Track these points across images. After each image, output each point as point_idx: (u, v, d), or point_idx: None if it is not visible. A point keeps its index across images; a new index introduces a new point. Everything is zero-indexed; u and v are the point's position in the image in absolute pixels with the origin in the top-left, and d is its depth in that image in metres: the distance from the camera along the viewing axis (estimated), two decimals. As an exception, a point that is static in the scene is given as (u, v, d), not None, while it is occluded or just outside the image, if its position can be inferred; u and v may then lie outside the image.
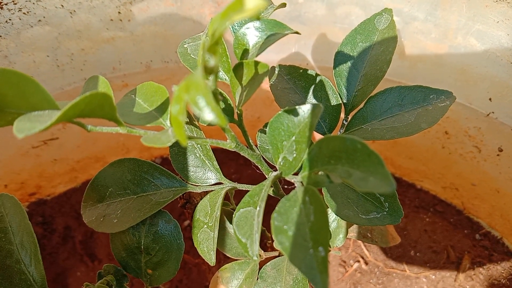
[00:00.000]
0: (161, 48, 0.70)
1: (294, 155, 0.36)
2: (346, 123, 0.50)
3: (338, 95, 0.50)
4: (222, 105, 0.42)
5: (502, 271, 0.75)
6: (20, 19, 0.58)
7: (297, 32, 0.38)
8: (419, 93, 0.47)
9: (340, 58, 0.50)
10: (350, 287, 0.76)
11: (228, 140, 0.38)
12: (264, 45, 0.38)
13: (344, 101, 0.49)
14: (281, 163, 0.37)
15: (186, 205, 0.55)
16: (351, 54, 0.50)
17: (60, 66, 0.65)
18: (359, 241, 0.79)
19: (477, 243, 0.79)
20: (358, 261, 0.78)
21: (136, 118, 0.40)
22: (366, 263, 0.78)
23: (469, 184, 0.77)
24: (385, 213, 0.44)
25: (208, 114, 0.22)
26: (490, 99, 0.64)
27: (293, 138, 0.36)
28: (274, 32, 0.38)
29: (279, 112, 0.37)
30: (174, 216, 0.82)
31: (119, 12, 0.63)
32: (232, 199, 0.57)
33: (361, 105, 0.49)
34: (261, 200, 0.35)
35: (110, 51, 0.67)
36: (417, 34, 0.64)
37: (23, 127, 0.25)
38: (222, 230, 0.53)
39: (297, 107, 0.36)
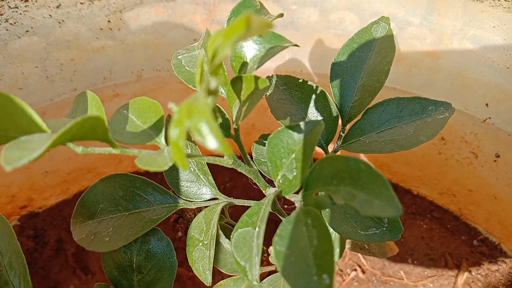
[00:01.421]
0: (153, 56, 0.68)
1: (294, 173, 0.35)
2: (343, 134, 0.48)
3: (335, 106, 0.49)
4: (219, 119, 0.41)
5: (501, 278, 0.74)
6: (7, 30, 0.56)
7: (296, 45, 0.37)
8: (418, 105, 0.46)
9: (336, 68, 0.49)
10: (348, 296, 0.75)
11: (225, 157, 0.37)
12: (263, 59, 0.36)
13: (342, 112, 0.48)
14: (281, 181, 0.36)
15: (179, 220, 0.54)
16: (348, 64, 0.49)
17: (50, 77, 0.64)
18: (356, 250, 0.78)
19: (475, 249, 0.78)
20: (355, 270, 0.77)
21: (129, 137, 0.38)
22: (363, 272, 0.77)
23: (466, 190, 0.76)
24: (384, 228, 0.43)
25: (212, 142, 0.21)
26: (486, 104, 0.63)
27: (293, 155, 0.35)
28: (273, 45, 0.37)
29: (279, 128, 0.35)
30: (168, 227, 0.81)
31: (108, 21, 0.61)
32: (227, 212, 0.56)
33: (359, 117, 0.48)
34: (260, 221, 0.34)
35: (100, 61, 0.66)
36: (412, 39, 0.63)
37: (11, 157, 0.24)
38: (216, 245, 0.52)
39: (297, 123, 0.34)
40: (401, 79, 0.68)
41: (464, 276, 0.75)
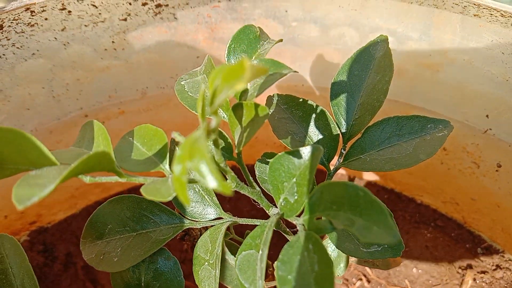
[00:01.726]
0: (157, 74, 0.70)
1: (296, 197, 0.36)
2: (344, 152, 0.49)
3: (335, 124, 0.50)
4: (222, 143, 0.42)
5: (506, 285, 0.75)
6: (14, 53, 0.57)
7: (295, 71, 0.38)
8: (417, 123, 0.47)
9: (336, 87, 0.50)
10: (353, 306, 0.75)
11: (228, 180, 0.38)
12: (263, 86, 0.37)
13: (342, 130, 0.49)
14: (282, 204, 0.37)
15: (185, 237, 0.55)
16: (348, 83, 0.50)
17: (56, 97, 0.65)
18: (361, 259, 0.79)
19: (479, 257, 0.78)
20: (361, 279, 0.78)
21: (135, 164, 0.40)
22: (369, 281, 0.78)
23: (469, 199, 0.77)
24: (386, 246, 0.44)
25: (211, 181, 0.22)
26: (487, 116, 0.64)
27: (294, 180, 0.36)
28: (273, 72, 0.38)
29: (279, 154, 0.36)
30: (175, 240, 0.82)
31: (113, 42, 0.63)
32: (232, 229, 0.56)
33: (359, 135, 0.49)
34: (264, 244, 0.35)
35: (106, 80, 0.67)
36: (411, 53, 0.64)
37: (22, 195, 0.25)
38: (222, 261, 0.53)
39: (297, 149, 0.35)
40: (402, 92, 0.69)
41: (468, 284, 0.75)
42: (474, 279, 0.76)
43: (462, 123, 0.67)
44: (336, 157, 0.50)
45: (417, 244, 0.81)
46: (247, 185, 0.41)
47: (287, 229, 0.46)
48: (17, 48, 0.57)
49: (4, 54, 0.57)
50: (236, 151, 0.40)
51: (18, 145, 0.30)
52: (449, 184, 0.78)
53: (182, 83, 0.46)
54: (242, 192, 0.40)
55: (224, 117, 0.42)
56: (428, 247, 0.81)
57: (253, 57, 0.42)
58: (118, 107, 0.71)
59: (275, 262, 0.32)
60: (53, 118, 0.67)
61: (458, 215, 0.82)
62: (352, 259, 0.58)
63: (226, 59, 0.43)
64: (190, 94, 0.44)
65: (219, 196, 0.49)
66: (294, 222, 0.37)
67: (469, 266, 0.78)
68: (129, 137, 0.43)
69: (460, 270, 0.77)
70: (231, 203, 0.89)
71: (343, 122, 0.49)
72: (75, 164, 0.26)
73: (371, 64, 0.49)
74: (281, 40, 0.43)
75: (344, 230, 0.45)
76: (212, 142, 0.33)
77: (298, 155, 0.35)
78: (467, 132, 0.68)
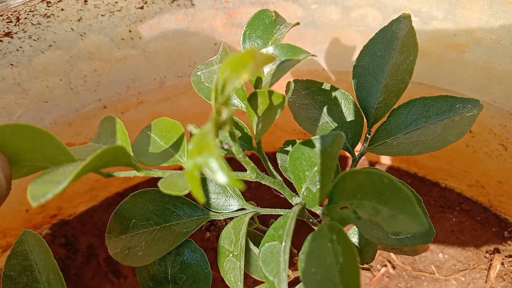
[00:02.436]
0: (174, 63, 0.69)
1: (318, 186, 0.34)
2: (369, 136, 0.48)
3: (359, 108, 0.48)
4: (239, 134, 0.41)
5: (535, 270, 0.73)
6: (30, 46, 0.57)
7: (313, 55, 0.37)
8: (445, 103, 0.45)
9: (358, 70, 0.48)
10: (379, 292, 0.74)
11: (248, 171, 0.37)
12: (278, 73, 0.36)
13: (366, 114, 0.48)
14: (305, 194, 0.36)
15: (210, 227, 0.54)
16: (370, 65, 0.48)
17: (74, 89, 0.65)
18: (386, 245, 0.78)
19: (507, 241, 0.77)
20: (386, 265, 0.77)
21: (153, 158, 0.39)
22: (394, 267, 0.77)
23: (496, 182, 0.75)
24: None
25: (221, 177, 0.21)
26: (515, 96, 0.62)
27: (316, 168, 0.35)
28: (289, 58, 0.37)
29: (299, 142, 0.35)
30: (197, 231, 0.82)
31: (130, 31, 0.62)
32: (256, 218, 0.56)
33: (384, 118, 0.48)
34: (286, 235, 0.34)
35: (123, 70, 0.66)
36: (436, 34, 0.62)
37: (37, 192, 0.24)
38: (247, 251, 0.52)
39: (317, 137, 0.34)
40: (427, 74, 0.67)
41: (496, 269, 0.74)
42: (502, 263, 0.74)
43: (489, 104, 0.65)
44: (360, 143, 0.49)
45: (442, 229, 0.79)
46: (268, 175, 0.40)
47: (312, 217, 0.45)
48: (34, 40, 0.57)
49: (21, 47, 0.56)
50: (255, 141, 0.39)
51: (35, 141, 0.29)
52: (474, 167, 0.76)
53: (198, 73, 0.44)
54: (263, 182, 0.39)
55: (241, 106, 0.41)
56: (454, 231, 0.79)
57: (270, 43, 0.41)
58: (136, 97, 0.71)
59: (299, 254, 0.31)
60: (72, 111, 0.67)
61: (483, 198, 0.80)
62: (379, 246, 0.57)
63: (241, 46, 0.42)
64: (207, 85, 0.43)
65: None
66: (317, 212, 0.36)
67: (497, 250, 0.76)
68: (147, 130, 0.43)
69: (487, 255, 0.76)
70: (251, 191, 0.88)
71: (367, 106, 0.47)
72: (89, 159, 0.25)
73: (395, 44, 0.48)
74: (298, 23, 0.41)
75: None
76: (228, 134, 0.33)
77: (319, 143, 0.34)
78: (494, 114, 0.65)
